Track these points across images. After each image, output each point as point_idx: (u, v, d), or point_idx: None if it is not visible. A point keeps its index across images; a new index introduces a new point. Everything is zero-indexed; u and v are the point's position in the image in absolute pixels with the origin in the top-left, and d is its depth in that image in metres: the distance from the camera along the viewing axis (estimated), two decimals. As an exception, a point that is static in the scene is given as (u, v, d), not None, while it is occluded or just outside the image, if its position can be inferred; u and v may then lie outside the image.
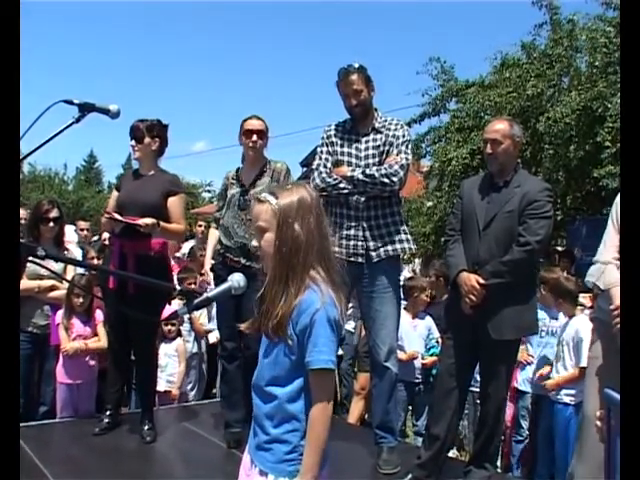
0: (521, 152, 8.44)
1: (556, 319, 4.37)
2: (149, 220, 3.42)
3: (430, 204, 10.73)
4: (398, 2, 57.75)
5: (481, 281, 2.87)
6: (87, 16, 65.88)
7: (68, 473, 3.11)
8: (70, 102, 1.76)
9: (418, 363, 4.73)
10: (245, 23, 74.57)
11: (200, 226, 7.45)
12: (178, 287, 2.06)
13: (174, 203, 3.64)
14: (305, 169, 21.79)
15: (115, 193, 3.83)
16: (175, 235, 3.85)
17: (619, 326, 2.58)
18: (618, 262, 2.72)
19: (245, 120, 3.62)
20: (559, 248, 8.66)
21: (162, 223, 3.51)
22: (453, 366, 3.04)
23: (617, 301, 2.62)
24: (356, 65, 3.28)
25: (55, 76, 64.84)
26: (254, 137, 3.56)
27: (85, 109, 1.77)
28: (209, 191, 34.02)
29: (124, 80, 66.62)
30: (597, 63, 7.86)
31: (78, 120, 1.76)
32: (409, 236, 3.38)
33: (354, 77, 3.26)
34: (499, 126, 3.00)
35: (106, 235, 4.94)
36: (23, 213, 5.04)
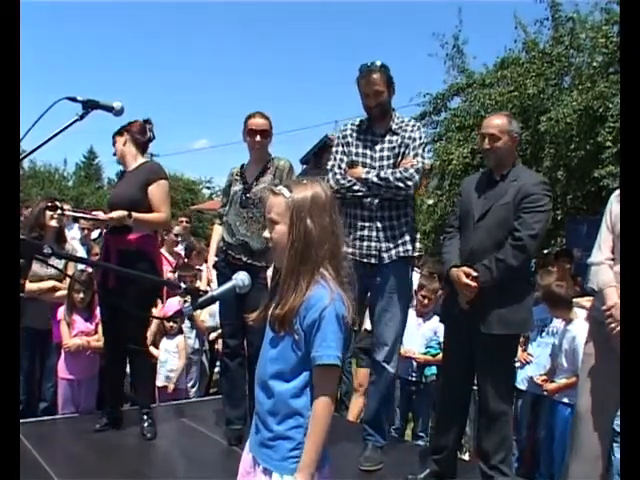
0: (522, 151, 8.52)
1: (558, 319, 4.36)
2: (115, 214, 3.39)
3: (431, 202, 10.75)
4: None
5: (473, 274, 2.84)
6: (87, 15, 65.83)
7: (68, 469, 3.11)
8: (74, 99, 1.75)
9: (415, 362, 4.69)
10: (247, 22, 74.46)
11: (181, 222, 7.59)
12: (183, 285, 2.03)
13: (154, 191, 3.56)
14: (305, 166, 21.79)
15: None
16: (155, 224, 3.66)
17: (612, 326, 2.59)
18: (611, 262, 2.72)
19: (249, 118, 3.56)
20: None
21: (135, 214, 3.43)
22: (454, 368, 3.04)
23: (610, 301, 2.62)
24: (378, 63, 3.15)
25: (55, 75, 64.84)
26: (258, 137, 3.51)
27: (89, 106, 1.75)
28: (209, 187, 34.07)
29: (125, 78, 66.57)
30: (595, 64, 7.86)
31: (82, 117, 1.74)
32: (417, 242, 3.36)
33: (376, 76, 3.14)
34: (497, 121, 2.96)
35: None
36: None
